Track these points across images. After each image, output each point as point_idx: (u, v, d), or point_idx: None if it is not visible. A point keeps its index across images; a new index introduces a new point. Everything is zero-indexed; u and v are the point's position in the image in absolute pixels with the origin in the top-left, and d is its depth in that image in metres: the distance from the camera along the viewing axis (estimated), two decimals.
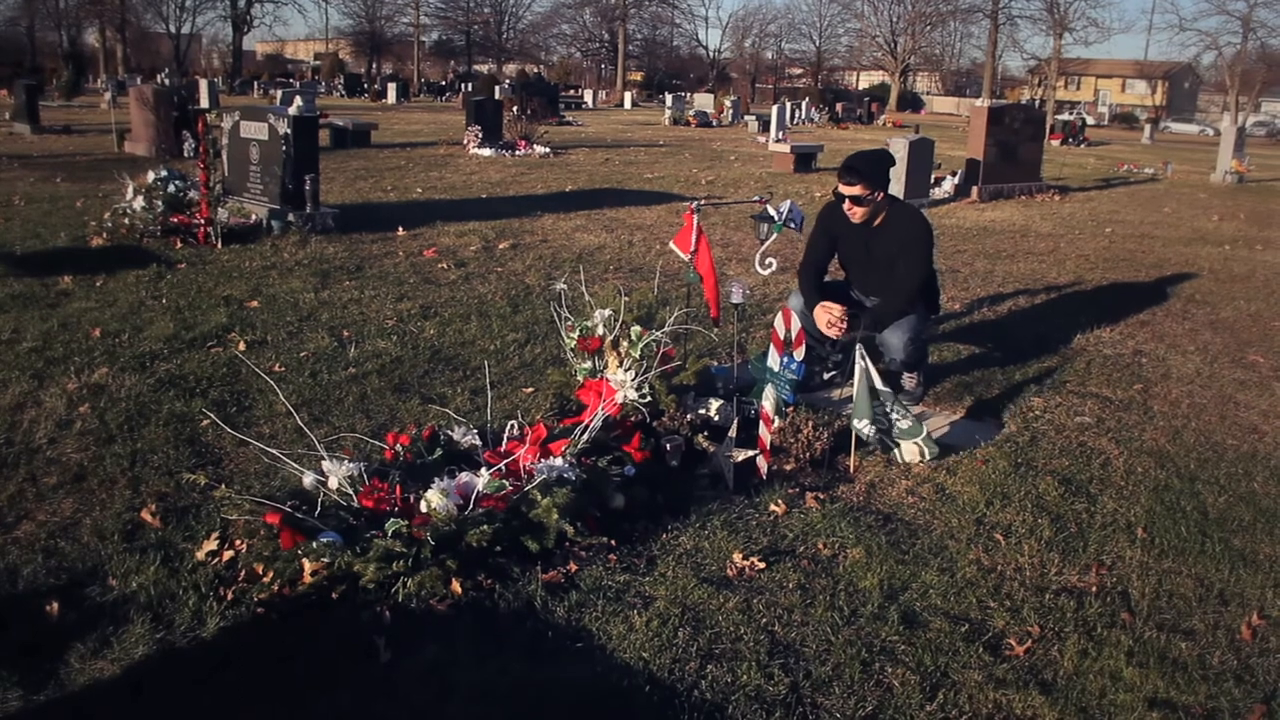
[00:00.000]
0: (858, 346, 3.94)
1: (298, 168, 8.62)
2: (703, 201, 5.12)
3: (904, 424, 3.93)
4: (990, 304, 7.02)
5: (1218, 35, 54.73)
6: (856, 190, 4.43)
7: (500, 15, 71.90)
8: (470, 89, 41.96)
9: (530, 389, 4.65)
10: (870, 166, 4.46)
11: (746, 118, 33.98)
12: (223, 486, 3.34)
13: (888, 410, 3.92)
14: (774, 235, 4.82)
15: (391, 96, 43.53)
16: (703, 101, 39.35)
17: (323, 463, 3.21)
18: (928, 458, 3.95)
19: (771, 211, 4.78)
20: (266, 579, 2.86)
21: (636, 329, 4.10)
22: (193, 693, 2.44)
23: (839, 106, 42.16)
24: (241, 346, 5.11)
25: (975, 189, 13.51)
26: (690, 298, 5.21)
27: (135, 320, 5.52)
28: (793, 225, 4.74)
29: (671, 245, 4.81)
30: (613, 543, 3.19)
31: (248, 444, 3.70)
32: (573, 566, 3.05)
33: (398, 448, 3.52)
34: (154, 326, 5.40)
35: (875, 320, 4.49)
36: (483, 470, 3.25)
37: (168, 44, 65.43)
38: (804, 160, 16.91)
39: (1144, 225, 11.89)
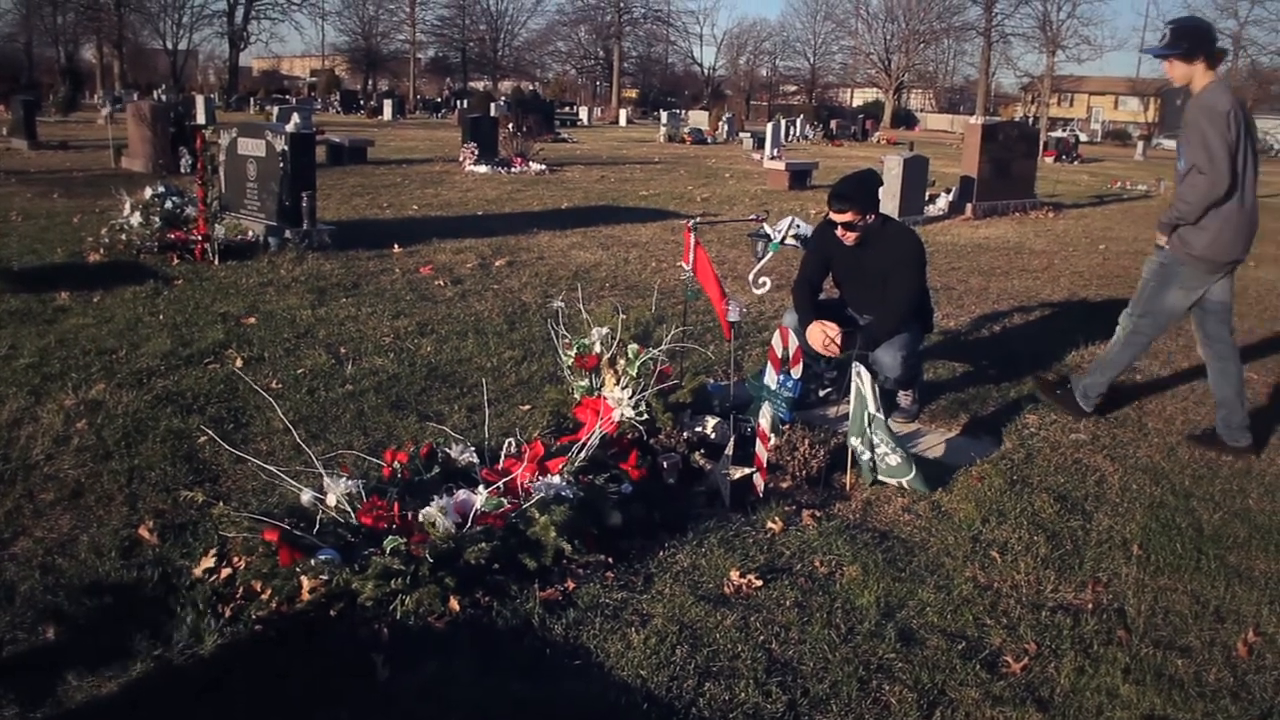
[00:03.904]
0: (855, 364, 3.95)
1: (295, 184, 8.64)
2: (699, 219, 5.15)
3: (892, 460, 3.91)
4: (985, 321, 7.05)
5: None
6: (848, 217, 4.46)
7: (496, 32, 72.09)
8: (466, 106, 42.07)
9: (527, 406, 4.66)
10: (859, 191, 4.50)
11: (741, 135, 34.09)
12: (220, 503, 3.34)
13: (875, 443, 3.90)
14: (770, 253, 4.84)
15: (387, 113, 43.61)
16: (698, 118, 39.46)
17: (322, 480, 3.21)
18: (906, 486, 3.92)
19: (768, 230, 4.81)
20: (265, 596, 2.86)
21: (634, 347, 4.12)
22: (190, 710, 2.44)
23: (833, 123, 42.35)
24: (239, 363, 5.12)
25: (969, 206, 13.57)
26: (687, 315, 5.23)
27: (132, 336, 5.53)
28: (795, 241, 4.77)
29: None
30: (610, 560, 3.20)
31: (245, 461, 3.70)
32: (570, 584, 3.06)
33: (396, 465, 3.53)
34: (151, 343, 5.40)
35: (869, 338, 4.51)
36: (480, 488, 3.26)
37: (165, 60, 65.55)
38: (799, 177, 16.97)
39: (1138, 242, 11.95)
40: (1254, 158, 4.33)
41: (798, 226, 9.05)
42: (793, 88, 76.76)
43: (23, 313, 5.96)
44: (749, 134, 32.38)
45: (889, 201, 11.89)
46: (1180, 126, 4.39)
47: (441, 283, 7.42)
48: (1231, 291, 4.56)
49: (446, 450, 3.67)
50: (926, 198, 13.51)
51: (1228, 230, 4.33)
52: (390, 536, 2.98)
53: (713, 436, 4.13)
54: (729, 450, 3.76)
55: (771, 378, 4.14)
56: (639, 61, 76.67)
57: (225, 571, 3.00)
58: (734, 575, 3.17)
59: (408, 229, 10.00)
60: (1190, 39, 4.35)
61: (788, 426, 4.14)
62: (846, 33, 72.22)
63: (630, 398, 3.97)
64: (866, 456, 3.91)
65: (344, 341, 5.65)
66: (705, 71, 78.36)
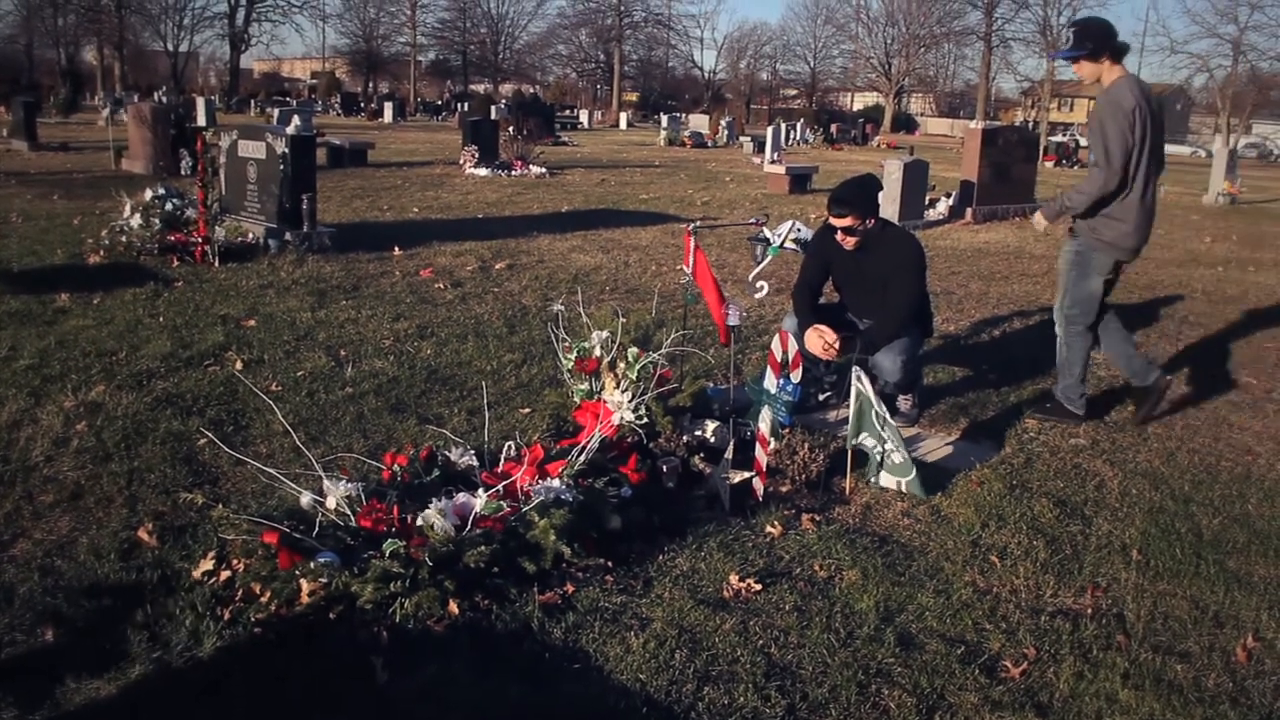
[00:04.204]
0: (854, 369, 3.95)
1: (295, 187, 8.64)
2: (699, 223, 5.15)
3: (896, 458, 3.91)
4: (985, 326, 7.05)
5: (1209, 58, 55.00)
6: (848, 221, 4.48)
7: (496, 35, 72.18)
8: (466, 109, 42.11)
9: (527, 410, 4.66)
10: (859, 196, 4.51)
11: (741, 139, 34.14)
12: (220, 506, 3.34)
13: (884, 440, 3.90)
14: (770, 257, 4.85)
15: (388, 116, 43.69)
16: (698, 122, 39.51)
17: (321, 482, 3.21)
18: (904, 489, 3.92)
19: (768, 234, 4.81)
20: (264, 599, 2.85)
21: (633, 350, 4.12)
22: (189, 713, 2.44)
23: (834, 128, 42.40)
24: (239, 365, 5.12)
25: (969, 210, 13.58)
26: (687, 319, 5.23)
27: (132, 338, 5.53)
28: (795, 245, 4.78)
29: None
30: (609, 564, 3.19)
31: (245, 463, 3.70)
32: (570, 588, 3.06)
33: (395, 468, 3.53)
34: (151, 345, 5.40)
35: (869, 343, 4.51)
36: (480, 491, 3.26)
37: (165, 62, 65.67)
38: (799, 181, 16.98)
39: None
40: (1158, 153, 4.58)
41: (798, 230, 9.06)
42: (793, 91, 76.84)
43: (23, 314, 5.96)
44: (749, 138, 32.42)
45: (889, 206, 11.90)
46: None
47: (441, 285, 7.42)
48: (1116, 279, 4.95)
49: (446, 453, 3.68)
50: (926, 202, 13.52)
51: (1136, 222, 4.59)
52: (389, 539, 2.98)
53: (712, 440, 4.13)
54: (728, 454, 3.76)
55: (771, 382, 4.14)
56: (639, 65, 76.76)
57: (224, 574, 3.00)
58: (733, 579, 3.17)
59: (408, 232, 10.00)
60: (1094, 39, 4.55)
61: (787, 430, 4.14)
62: (847, 37, 72.33)
63: (630, 401, 3.97)
64: (879, 451, 3.91)
65: (344, 344, 5.65)
66: (706, 75, 78.50)
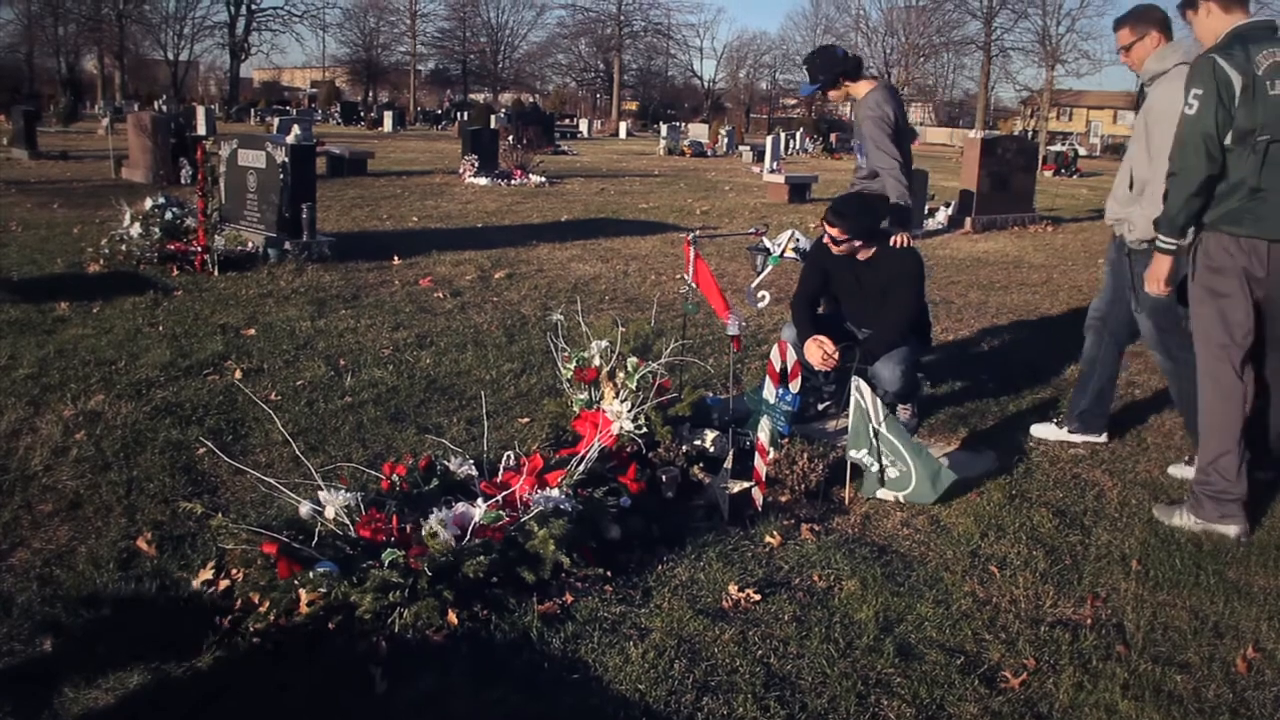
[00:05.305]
0: (854, 379, 3.96)
1: (294, 196, 8.66)
2: (698, 232, 5.16)
3: (892, 473, 3.90)
4: (984, 335, 7.05)
5: None
6: (836, 232, 4.56)
7: (496, 45, 72.36)
8: (466, 118, 42.15)
9: (526, 419, 4.66)
10: (855, 214, 4.57)
11: (741, 148, 34.18)
12: (219, 515, 3.33)
13: (879, 455, 3.90)
14: (770, 267, 4.86)
15: (388, 125, 43.74)
16: (697, 131, 39.54)
17: (320, 492, 3.21)
18: (904, 500, 3.92)
19: (768, 243, 4.82)
20: (263, 609, 2.85)
21: (633, 360, 4.12)
22: None
23: (833, 137, 42.46)
24: (238, 375, 5.12)
25: (969, 220, 13.60)
26: (686, 329, 5.24)
27: (132, 347, 5.53)
28: (795, 255, 4.80)
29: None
30: (609, 574, 3.19)
31: (244, 473, 3.70)
32: (569, 598, 3.06)
33: (394, 478, 3.53)
34: (150, 354, 5.41)
35: (867, 353, 4.52)
36: (479, 501, 3.26)
37: (165, 71, 65.84)
38: (798, 190, 17.01)
39: None
40: (908, 142, 5.20)
41: (797, 240, 9.07)
42: (792, 101, 76.94)
43: (22, 323, 5.96)
44: (749, 147, 32.48)
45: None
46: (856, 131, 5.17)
47: (441, 295, 7.43)
48: None
49: (445, 463, 3.67)
50: (926, 211, 13.54)
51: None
52: (389, 549, 2.98)
53: (711, 450, 4.13)
54: (728, 464, 3.76)
55: (770, 391, 4.15)
56: (639, 74, 76.94)
57: (223, 583, 3.00)
58: (732, 589, 3.16)
59: (407, 241, 10.02)
60: (820, 70, 5.04)
61: (786, 440, 4.14)
62: (846, 46, 72.36)
63: (629, 411, 3.97)
64: (876, 469, 3.91)
65: (343, 353, 5.66)
66: (705, 84, 78.66)
